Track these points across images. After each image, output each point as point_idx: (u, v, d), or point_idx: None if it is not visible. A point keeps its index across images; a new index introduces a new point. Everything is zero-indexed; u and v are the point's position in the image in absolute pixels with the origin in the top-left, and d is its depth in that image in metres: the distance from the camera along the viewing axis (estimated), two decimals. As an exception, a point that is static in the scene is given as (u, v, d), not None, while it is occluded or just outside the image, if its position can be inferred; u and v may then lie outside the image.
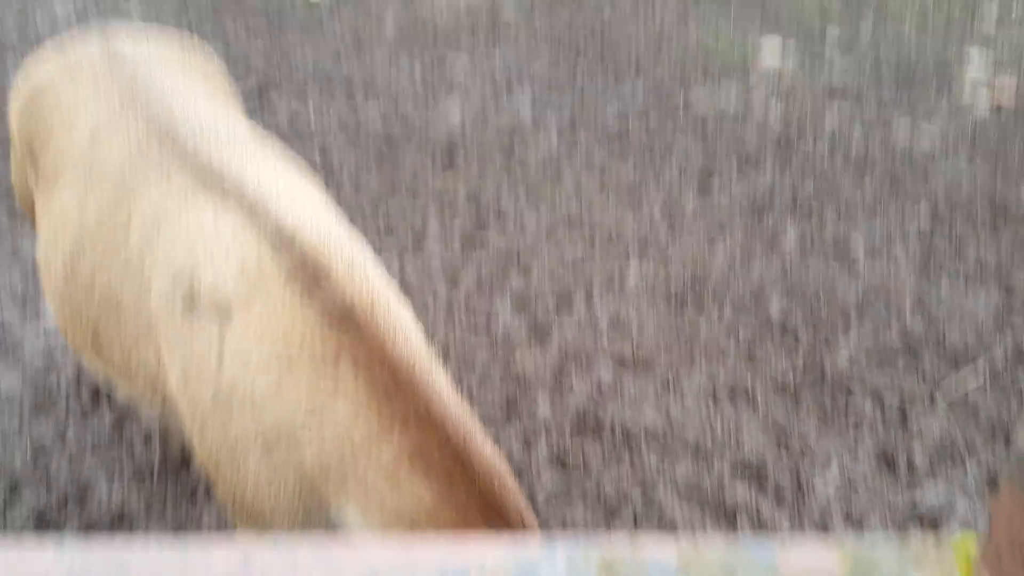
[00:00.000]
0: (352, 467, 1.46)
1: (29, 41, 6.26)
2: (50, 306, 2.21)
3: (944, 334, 3.76)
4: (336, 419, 1.47)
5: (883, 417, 3.29)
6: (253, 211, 1.70)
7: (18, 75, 2.60)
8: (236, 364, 1.56)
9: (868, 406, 3.34)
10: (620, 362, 3.54)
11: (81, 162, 2.10)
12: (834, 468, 3.04)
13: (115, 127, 2.08)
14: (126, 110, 2.11)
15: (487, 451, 1.48)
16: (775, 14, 7.48)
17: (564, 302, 3.91)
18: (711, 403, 3.34)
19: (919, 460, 3.09)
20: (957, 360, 3.61)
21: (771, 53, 6.69)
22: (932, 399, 3.38)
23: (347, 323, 1.50)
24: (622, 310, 3.85)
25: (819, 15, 7.48)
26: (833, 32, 7.13)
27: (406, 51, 6.52)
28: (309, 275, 1.56)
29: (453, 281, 4.03)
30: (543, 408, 3.31)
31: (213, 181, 1.80)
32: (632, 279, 4.07)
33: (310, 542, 0.44)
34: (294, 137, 5.10)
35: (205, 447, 1.69)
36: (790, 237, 4.44)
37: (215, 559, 0.43)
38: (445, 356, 3.56)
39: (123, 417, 3.21)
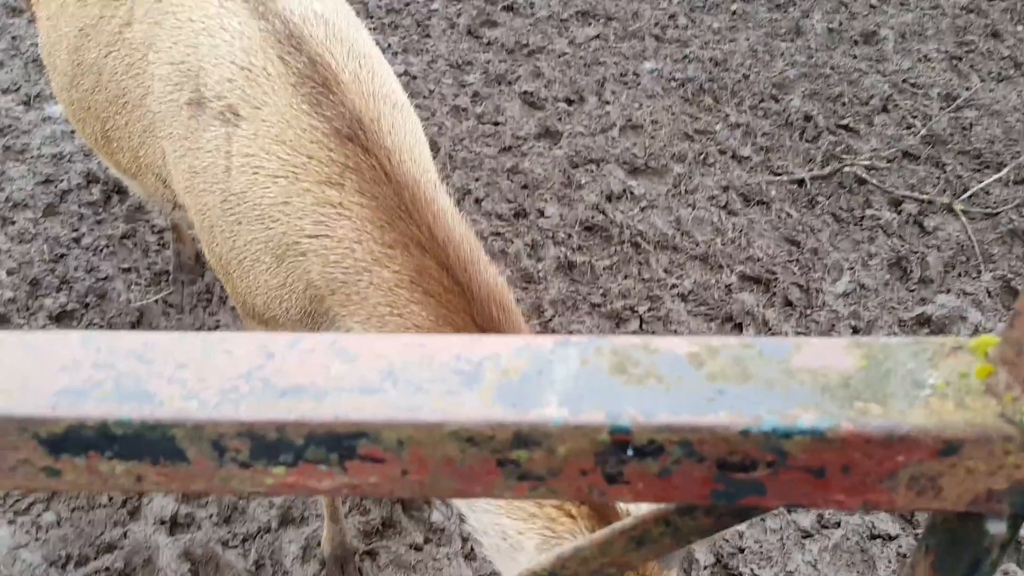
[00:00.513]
0: (355, 286, 1.43)
1: None
2: (58, 100, 2.06)
3: (970, 137, 3.44)
4: (340, 237, 1.42)
5: (899, 223, 3.07)
6: (258, 8, 1.54)
7: None
8: (245, 173, 1.49)
9: (885, 211, 3.11)
10: (631, 166, 3.29)
11: None
12: (845, 277, 2.87)
13: None
14: None
15: (489, 276, 1.42)
16: None
17: (576, 99, 3.60)
18: (723, 209, 3.12)
19: (933, 269, 2.90)
20: (982, 165, 3.33)
21: None
22: (950, 206, 3.14)
23: (354, 139, 1.42)
24: (635, 110, 3.54)
25: None
26: None
27: None
28: (318, 82, 1.45)
29: (459, 77, 3.70)
30: (551, 213, 3.12)
31: None
32: (647, 75, 3.72)
33: (326, 337, 0.46)
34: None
35: (215, 252, 1.64)
36: (816, 27, 4.00)
37: (236, 345, 0.44)
38: (452, 159, 3.32)
39: (135, 217, 3.06)
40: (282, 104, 1.45)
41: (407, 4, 4.10)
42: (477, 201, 3.16)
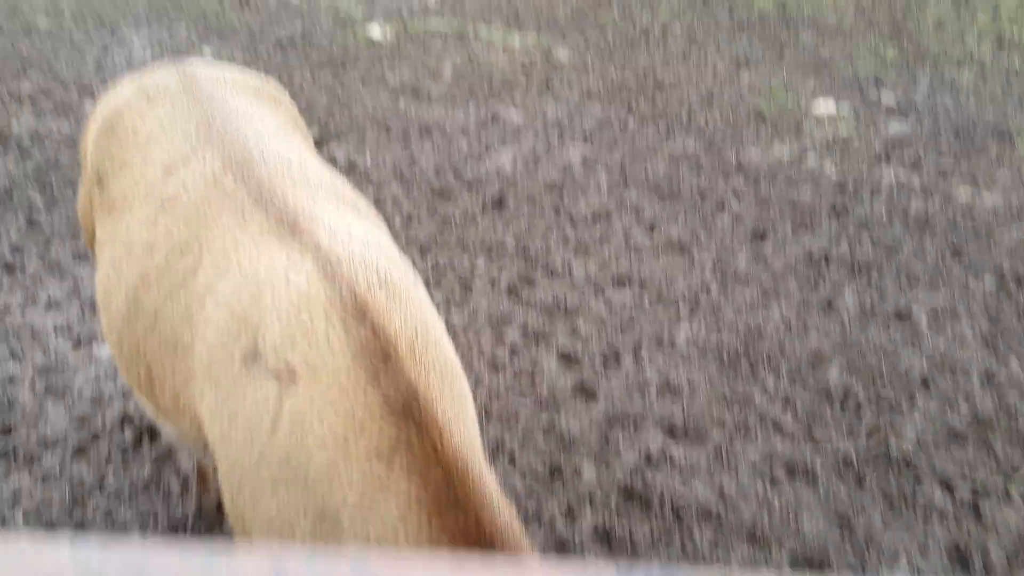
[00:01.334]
0: None
1: (107, 81, 6.23)
2: (107, 340, 2.06)
3: (1016, 416, 3.40)
4: (384, 516, 1.34)
5: (954, 507, 2.95)
6: (325, 269, 1.56)
7: (97, 101, 2.44)
8: (293, 434, 1.44)
9: (937, 494, 3.00)
10: (670, 429, 3.25)
11: (153, 195, 1.94)
12: (903, 562, 2.70)
13: (191, 161, 1.93)
14: (203, 143, 1.96)
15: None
16: (829, 73, 7.20)
17: (612, 360, 3.64)
18: (768, 481, 3.02)
19: (995, 557, 2.73)
20: (1033, 447, 3.26)
21: (825, 112, 6.40)
22: (1007, 491, 3.02)
23: (407, 416, 1.39)
24: (672, 372, 3.56)
25: (873, 76, 7.18)
26: (888, 94, 6.83)
27: (462, 99, 6.36)
28: (377, 354, 1.44)
29: (499, 333, 3.79)
30: (588, 475, 3.03)
31: (287, 227, 1.67)
32: (682, 339, 3.78)
33: (347, 554, 0.40)
34: (351, 183, 4.93)
35: (238, 506, 1.55)
36: (848, 302, 4.12)
37: (244, 561, 0.39)
38: (487, 412, 3.31)
39: (162, 461, 3.01)
40: (340, 371, 1.43)
41: (451, 262, 4.30)
42: (512, 457, 3.10)
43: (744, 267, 4.37)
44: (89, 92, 5.99)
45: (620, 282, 4.21)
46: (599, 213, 4.83)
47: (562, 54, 7.33)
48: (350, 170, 5.15)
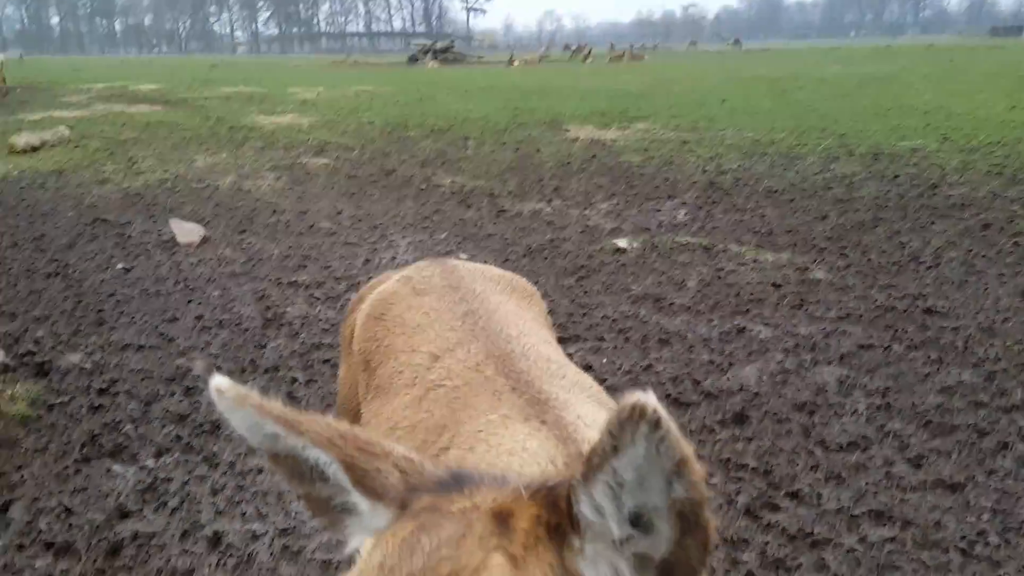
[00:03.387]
0: None
1: (372, 277, 7.14)
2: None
3: None
4: None
5: None
6: (567, 443, 1.68)
7: (362, 289, 2.86)
8: None
9: None
10: None
11: (419, 381, 2.19)
12: None
13: (456, 351, 2.17)
14: (468, 335, 2.21)
15: None
16: None
17: (864, 605, 3.37)
18: None
19: None
20: None
21: None
22: None
23: None
24: (940, 628, 3.22)
25: None
26: None
27: (706, 311, 6.53)
28: None
29: (733, 558, 3.66)
30: None
31: (536, 409, 1.83)
32: (954, 594, 3.44)
33: None
34: (583, 383, 5.17)
35: None
36: None
37: None
38: (716, 643, 3.16)
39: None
40: None
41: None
42: None
43: (1033, 517, 3.95)
44: (355, 285, 6.86)
45: (878, 517, 3.96)
46: (856, 440, 4.64)
47: (819, 273, 7.37)
48: (585, 372, 5.38)
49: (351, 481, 1.24)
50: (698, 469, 0.89)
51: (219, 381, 1.24)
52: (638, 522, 0.98)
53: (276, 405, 1.25)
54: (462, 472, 1.25)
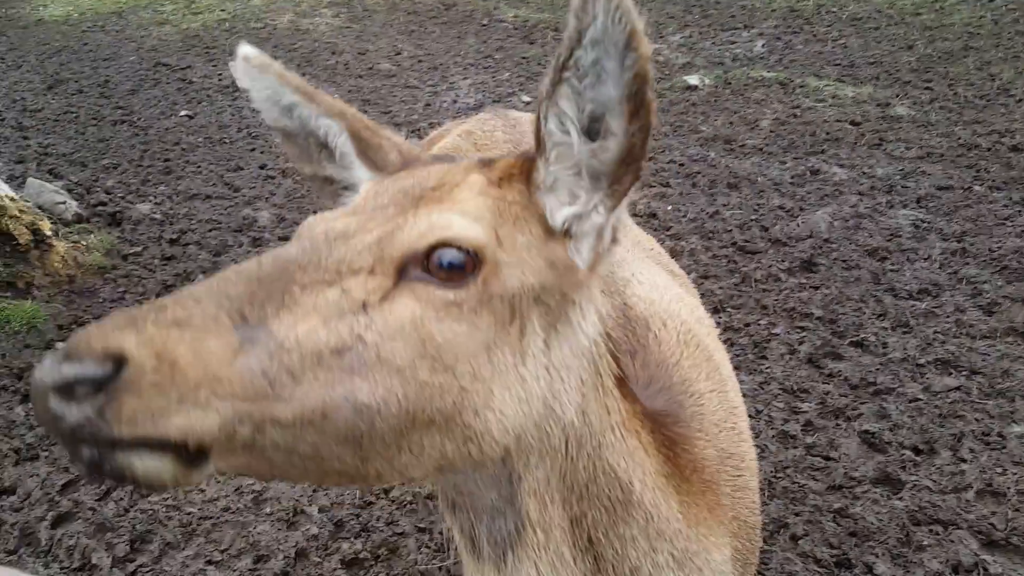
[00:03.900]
0: None
1: (433, 121, 7.08)
2: None
3: None
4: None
5: None
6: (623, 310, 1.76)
7: (423, 141, 2.86)
8: None
9: None
10: (988, 539, 2.99)
11: None
12: None
13: None
14: None
15: None
16: None
17: (925, 451, 3.42)
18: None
19: None
20: None
21: None
22: None
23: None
24: (997, 475, 3.27)
25: None
26: None
27: (779, 152, 6.34)
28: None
29: (793, 406, 3.72)
30: (883, 573, 2.88)
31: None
32: (1015, 439, 3.46)
33: None
34: (648, 232, 5.15)
35: None
36: None
37: None
38: (770, 486, 3.27)
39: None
40: None
41: (747, 325, 4.31)
42: (794, 538, 3.04)
43: (1109, 366, 3.89)
44: (415, 132, 6.82)
45: (944, 366, 3.95)
46: (927, 287, 4.57)
47: (900, 109, 7.03)
48: (648, 220, 5.35)
49: (356, 151, 1.38)
50: (647, 42, 1.02)
51: (246, 49, 1.37)
52: (594, 130, 1.13)
53: (296, 76, 1.38)
54: (455, 155, 1.37)
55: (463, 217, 1.13)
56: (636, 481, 1.31)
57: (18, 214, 4.56)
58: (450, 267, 1.09)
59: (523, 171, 1.23)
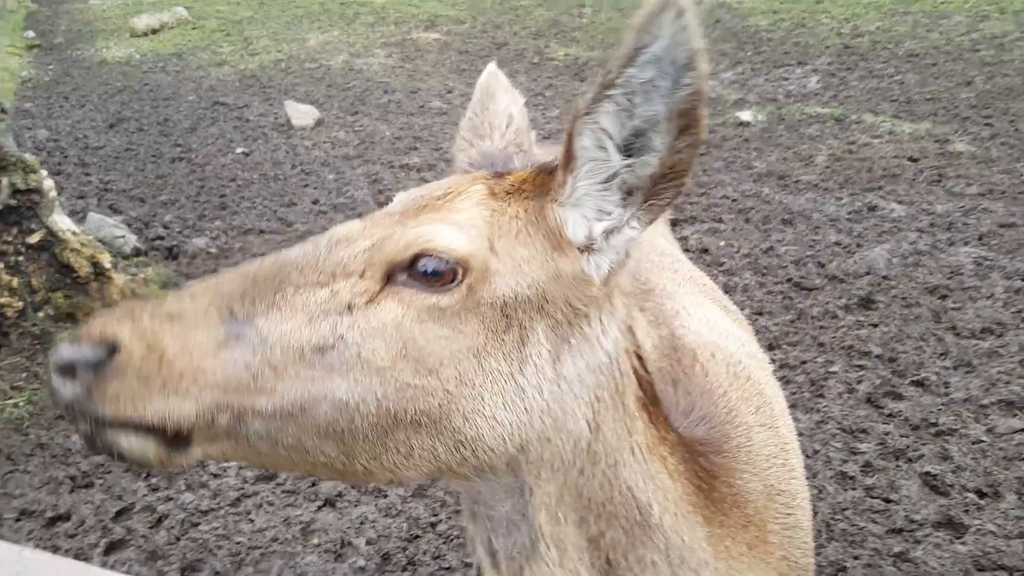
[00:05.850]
0: None
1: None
2: None
3: None
4: None
5: None
6: (665, 338, 1.78)
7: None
8: None
9: None
10: (1059, 589, 2.89)
11: None
12: None
13: None
14: None
15: None
16: None
17: (990, 495, 3.33)
18: None
19: None
20: None
21: None
22: None
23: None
24: (1070, 523, 3.16)
25: None
26: None
27: (835, 188, 6.29)
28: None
29: (851, 446, 3.66)
30: (944, 622, 2.80)
31: (638, 300, 1.96)
32: (1089, 486, 3.35)
33: None
34: (700, 268, 5.13)
35: None
36: None
37: None
38: (828, 528, 3.20)
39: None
40: None
41: (803, 362, 4.25)
42: (853, 582, 2.97)
43: None
44: (467, 167, 6.90)
45: (1009, 407, 3.85)
46: (990, 326, 4.47)
47: (960, 145, 6.94)
48: (701, 255, 5.33)
49: None
50: (706, 61, 1.04)
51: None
52: (633, 146, 1.14)
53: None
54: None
55: (451, 227, 1.17)
56: (655, 504, 1.31)
57: (79, 247, 4.72)
58: (434, 275, 1.15)
59: (537, 184, 1.25)
